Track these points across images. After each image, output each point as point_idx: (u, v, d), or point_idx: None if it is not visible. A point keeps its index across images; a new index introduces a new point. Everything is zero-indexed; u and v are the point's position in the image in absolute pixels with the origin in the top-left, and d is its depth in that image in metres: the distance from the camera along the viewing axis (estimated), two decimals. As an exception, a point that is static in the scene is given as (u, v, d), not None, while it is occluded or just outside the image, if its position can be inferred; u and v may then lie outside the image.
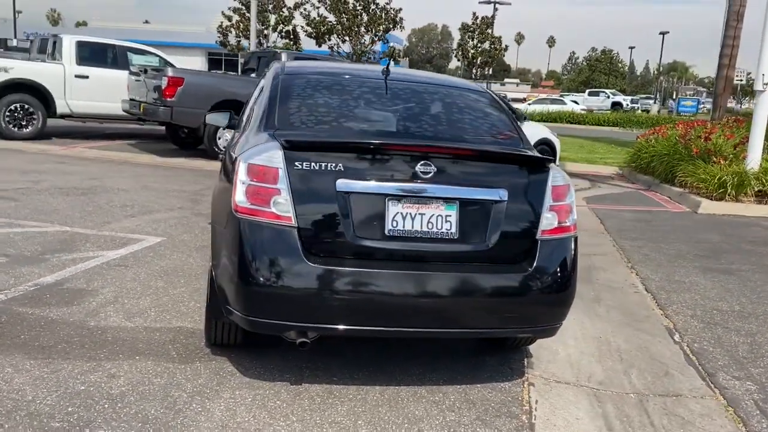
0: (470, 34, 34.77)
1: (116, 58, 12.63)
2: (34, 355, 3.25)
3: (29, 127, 11.61)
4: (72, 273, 4.53)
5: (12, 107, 11.39)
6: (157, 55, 13.34)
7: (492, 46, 34.75)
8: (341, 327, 2.87)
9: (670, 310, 4.86)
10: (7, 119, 11.39)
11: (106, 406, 2.83)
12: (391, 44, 47.35)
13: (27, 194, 7.10)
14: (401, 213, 2.91)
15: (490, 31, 34.61)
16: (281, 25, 29.19)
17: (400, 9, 28.62)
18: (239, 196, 2.84)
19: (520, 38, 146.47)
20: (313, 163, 2.84)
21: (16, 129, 11.49)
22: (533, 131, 12.12)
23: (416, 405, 3.09)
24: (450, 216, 2.95)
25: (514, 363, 3.67)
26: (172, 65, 12.70)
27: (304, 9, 28.70)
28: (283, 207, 2.80)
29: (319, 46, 28.93)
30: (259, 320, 2.85)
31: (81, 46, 12.26)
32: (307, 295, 2.79)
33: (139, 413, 2.79)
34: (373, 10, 28.35)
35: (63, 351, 3.32)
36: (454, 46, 33.85)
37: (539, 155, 3.21)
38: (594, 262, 6.11)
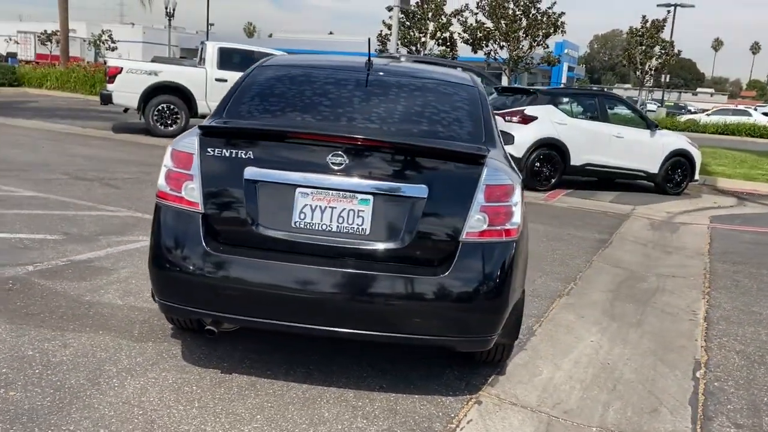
0: (638, 38, 32.53)
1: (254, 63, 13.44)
2: (15, 320, 3.58)
3: (174, 125, 12.77)
4: (107, 253, 4.93)
5: (160, 107, 12.63)
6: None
7: (663, 52, 32.21)
8: (245, 318, 2.84)
9: (715, 342, 4.21)
10: (155, 118, 12.64)
11: (37, 371, 3.04)
12: (566, 50, 45.78)
13: (130, 183, 7.83)
14: (310, 205, 2.81)
15: (660, 35, 32.12)
16: (439, 32, 29.44)
17: (562, 13, 27.59)
18: (160, 181, 2.92)
19: (717, 44, 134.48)
20: (224, 151, 2.85)
21: (162, 127, 12.71)
22: (666, 141, 11.12)
23: (331, 408, 2.97)
24: (363, 211, 2.80)
25: (475, 378, 3.39)
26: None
27: (462, 16, 28.69)
28: (193, 193, 2.84)
29: (475, 52, 28.76)
30: (170, 305, 2.91)
31: (222, 52, 13.25)
32: (207, 283, 2.80)
33: (59, 381, 2.97)
34: (533, 15, 27.62)
35: (41, 319, 3.62)
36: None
37: (468, 151, 2.93)
38: (664, 284, 5.47)
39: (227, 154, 2.84)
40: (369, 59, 3.54)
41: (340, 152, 2.80)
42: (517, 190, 2.92)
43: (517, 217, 2.90)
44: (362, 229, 2.79)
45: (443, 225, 2.82)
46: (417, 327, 2.82)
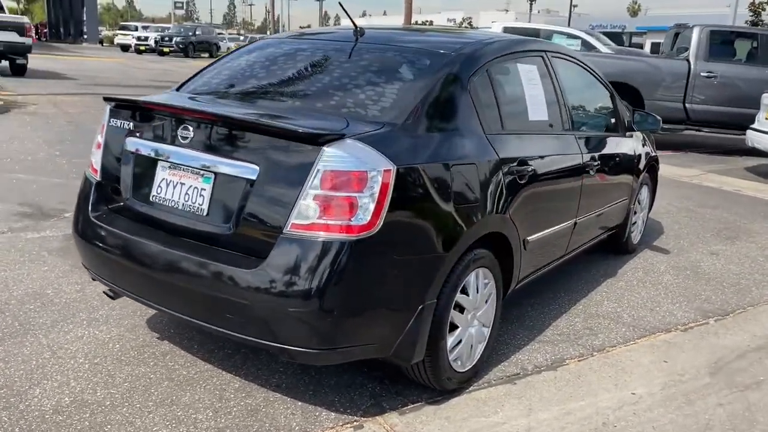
0: None
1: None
2: None
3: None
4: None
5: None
6: (579, 37, 12.99)
7: None
8: (120, 290, 2.82)
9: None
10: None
11: None
12: None
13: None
14: (166, 179, 2.64)
15: None
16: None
17: None
18: (92, 150, 3.06)
19: None
20: (118, 121, 2.85)
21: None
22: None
23: (201, 394, 2.78)
24: (205, 190, 2.52)
25: (393, 399, 2.78)
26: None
27: None
28: (97, 160, 2.92)
29: None
30: (85, 267, 3.05)
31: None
32: (89, 250, 2.86)
33: None
34: None
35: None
36: None
37: (304, 130, 2.34)
38: None
39: (118, 125, 2.84)
40: (355, 30, 3.13)
41: (188, 126, 2.57)
42: (377, 180, 2.28)
43: (367, 214, 2.27)
44: (202, 209, 2.51)
45: (269, 212, 2.36)
46: (238, 325, 2.43)
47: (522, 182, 3.01)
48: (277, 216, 2.32)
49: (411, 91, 2.69)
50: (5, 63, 16.24)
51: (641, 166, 4.69)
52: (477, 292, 2.85)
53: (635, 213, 4.93)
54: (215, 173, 2.48)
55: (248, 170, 2.39)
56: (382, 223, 2.29)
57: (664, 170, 9.02)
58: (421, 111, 2.60)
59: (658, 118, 4.54)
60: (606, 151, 4.05)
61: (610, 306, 3.98)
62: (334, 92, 2.77)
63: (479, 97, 2.88)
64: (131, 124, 2.78)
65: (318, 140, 2.28)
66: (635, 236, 5.04)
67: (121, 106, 2.85)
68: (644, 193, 5.05)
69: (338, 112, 2.65)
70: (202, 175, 2.51)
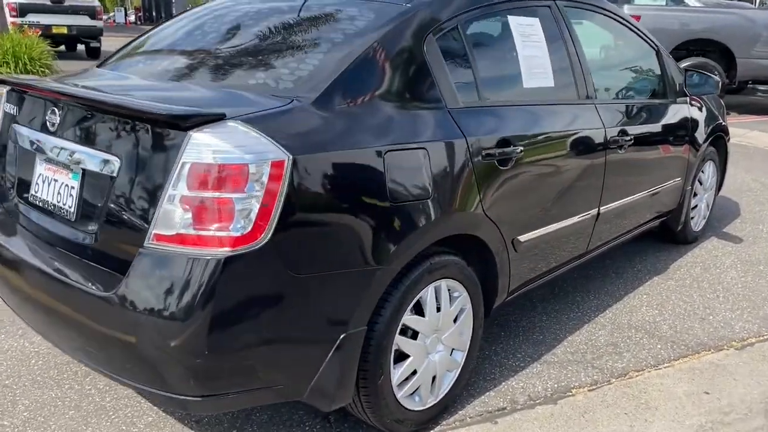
0: None
1: None
2: None
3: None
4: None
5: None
6: None
7: None
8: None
9: None
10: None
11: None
12: None
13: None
14: (43, 175, 2.17)
15: None
16: None
17: None
18: None
19: None
20: (8, 105, 2.42)
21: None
22: None
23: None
24: (74, 188, 2.02)
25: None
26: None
27: None
28: None
29: None
30: None
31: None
32: None
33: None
34: None
35: None
36: None
37: (168, 111, 1.76)
38: None
39: (8, 110, 2.40)
40: None
41: (55, 110, 2.08)
42: (263, 175, 1.71)
43: (249, 221, 1.70)
44: (70, 212, 2.03)
45: (130, 218, 1.83)
46: (107, 364, 1.93)
47: (505, 168, 2.35)
48: (138, 223, 1.80)
49: (337, 56, 2.08)
50: (81, 47, 16.60)
51: (701, 138, 3.84)
52: (438, 311, 2.24)
53: (695, 195, 4.08)
54: (83, 168, 1.98)
55: (109, 164, 1.88)
56: (271, 233, 1.72)
57: (755, 138, 7.86)
58: (346, 81, 1.99)
59: (717, 79, 3.67)
60: (645, 122, 3.27)
61: (648, 314, 3.24)
62: (254, 61, 2.21)
63: (441, 61, 2.24)
64: (16, 108, 2.33)
65: (183, 124, 1.72)
66: (696, 223, 4.20)
67: (14, 90, 2.39)
68: (708, 170, 4.18)
69: (245, 85, 2.08)
70: (72, 170, 2.02)
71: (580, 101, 2.83)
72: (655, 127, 3.37)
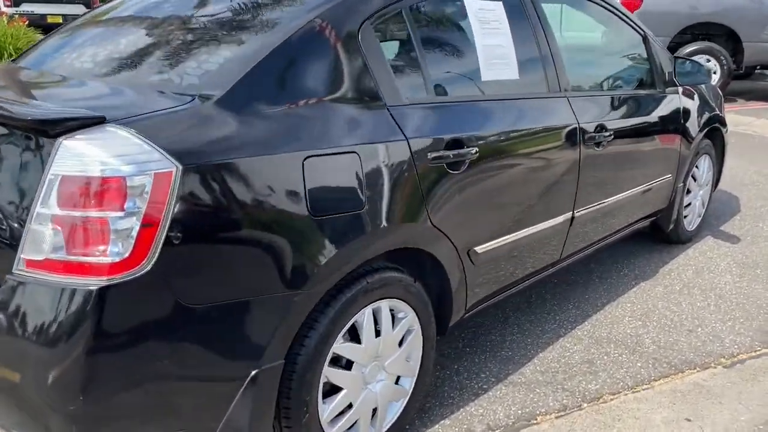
0: None
1: None
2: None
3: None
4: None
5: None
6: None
7: None
8: None
9: None
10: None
11: None
12: None
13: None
14: None
15: None
16: None
17: None
18: None
19: None
20: None
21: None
22: None
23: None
24: None
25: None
26: None
27: None
28: None
29: None
30: None
31: None
32: None
33: None
34: None
35: None
36: None
37: (34, 116, 1.51)
38: None
39: None
40: None
41: None
42: (145, 188, 1.45)
43: (127, 244, 1.45)
44: None
45: (4, 241, 1.59)
46: None
47: (457, 172, 2.08)
48: (6, 246, 1.55)
49: (252, 48, 1.81)
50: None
51: (694, 130, 3.55)
52: (377, 336, 1.98)
53: (688, 192, 3.79)
54: None
55: None
56: (156, 258, 1.47)
57: (762, 127, 7.51)
58: (260, 76, 1.72)
59: (708, 68, 3.37)
60: (628, 115, 2.99)
61: (630, 325, 2.97)
62: (162, 53, 1.95)
63: (380, 52, 1.97)
64: None
65: (52, 130, 1.46)
66: (690, 221, 3.91)
67: None
68: (703, 165, 3.88)
69: (146, 81, 1.82)
70: None
71: (549, 95, 2.55)
72: (640, 121, 3.08)
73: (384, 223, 1.86)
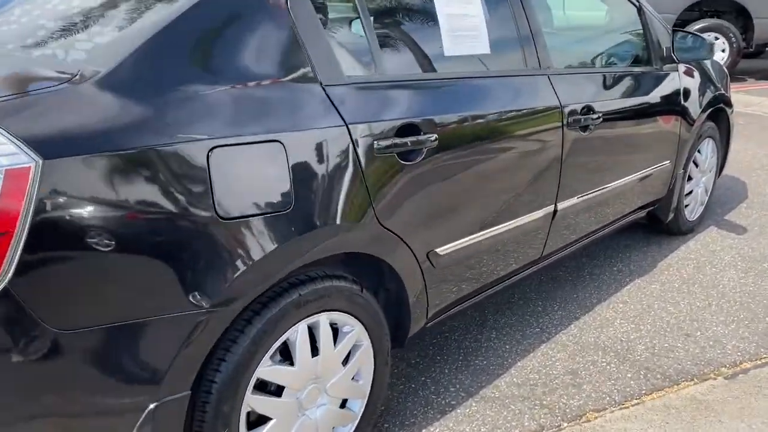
0: None
1: None
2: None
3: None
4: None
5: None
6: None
7: None
8: None
9: None
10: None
11: None
12: None
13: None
14: None
15: None
16: None
17: None
18: None
19: None
20: None
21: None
22: None
23: None
24: None
25: None
26: None
27: None
28: None
29: None
30: None
31: None
32: None
33: None
34: None
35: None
36: None
37: None
38: None
39: None
40: None
41: None
42: None
43: None
44: None
45: None
46: None
47: (412, 162, 1.79)
48: None
49: (153, 17, 1.51)
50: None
51: (695, 112, 3.22)
52: (315, 355, 1.70)
53: (689, 179, 3.48)
54: None
55: None
56: (11, 274, 1.19)
57: (772, 107, 7.14)
58: (157, 49, 1.42)
59: (711, 42, 3.05)
60: (619, 96, 2.67)
61: (621, 329, 2.68)
62: (57, 26, 1.64)
63: (316, 21, 1.66)
64: None
65: None
66: (693, 210, 3.60)
67: None
68: (706, 149, 3.56)
69: (26, 57, 1.53)
70: None
71: (528, 72, 2.24)
72: (634, 102, 2.76)
73: (317, 225, 1.56)
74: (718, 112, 3.54)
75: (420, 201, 1.84)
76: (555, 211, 2.42)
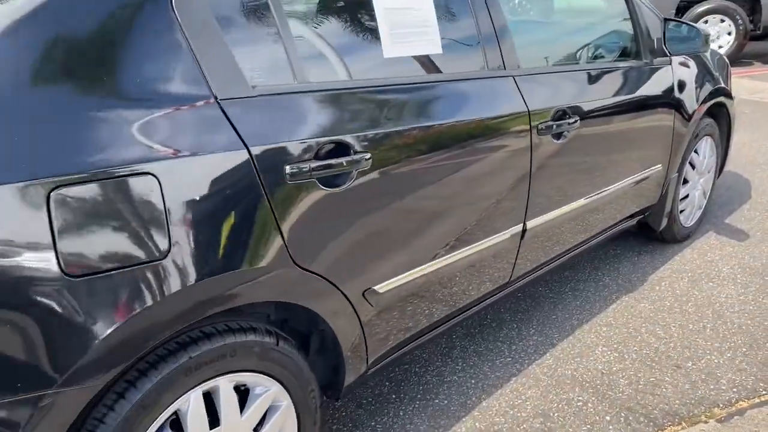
0: None
1: None
2: None
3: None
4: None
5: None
6: None
7: None
8: None
9: None
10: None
11: None
12: None
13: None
14: None
15: None
16: None
17: None
18: None
19: None
20: None
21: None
22: None
23: None
24: None
25: None
26: None
27: None
28: None
29: None
30: None
31: None
32: None
33: None
34: None
35: None
36: None
37: None
38: None
39: None
40: None
41: None
42: None
43: None
44: None
45: None
46: None
47: (339, 188, 1.49)
48: None
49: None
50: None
51: (691, 109, 2.90)
52: (215, 426, 1.40)
53: (685, 182, 3.16)
54: None
55: None
56: None
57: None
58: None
59: (704, 33, 2.71)
60: (599, 95, 2.35)
61: (603, 358, 2.38)
62: None
63: (211, 21, 1.35)
64: None
65: None
66: (689, 215, 3.28)
67: None
68: (704, 149, 3.24)
69: None
70: None
71: (489, 74, 1.92)
72: (618, 101, 2.44)
73: (204, 275, 1.27)
74: (718, 107, 3.21)
75: (351, 233, 1.54)
76: (524, 230, 2.12)
